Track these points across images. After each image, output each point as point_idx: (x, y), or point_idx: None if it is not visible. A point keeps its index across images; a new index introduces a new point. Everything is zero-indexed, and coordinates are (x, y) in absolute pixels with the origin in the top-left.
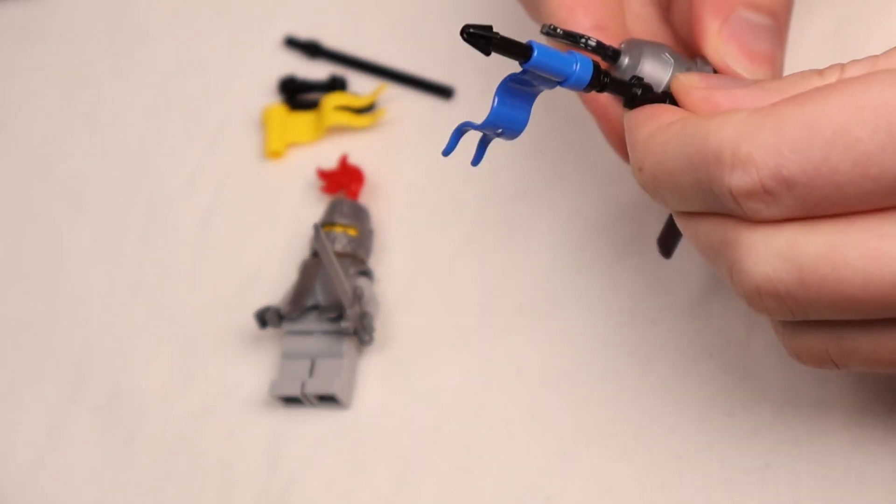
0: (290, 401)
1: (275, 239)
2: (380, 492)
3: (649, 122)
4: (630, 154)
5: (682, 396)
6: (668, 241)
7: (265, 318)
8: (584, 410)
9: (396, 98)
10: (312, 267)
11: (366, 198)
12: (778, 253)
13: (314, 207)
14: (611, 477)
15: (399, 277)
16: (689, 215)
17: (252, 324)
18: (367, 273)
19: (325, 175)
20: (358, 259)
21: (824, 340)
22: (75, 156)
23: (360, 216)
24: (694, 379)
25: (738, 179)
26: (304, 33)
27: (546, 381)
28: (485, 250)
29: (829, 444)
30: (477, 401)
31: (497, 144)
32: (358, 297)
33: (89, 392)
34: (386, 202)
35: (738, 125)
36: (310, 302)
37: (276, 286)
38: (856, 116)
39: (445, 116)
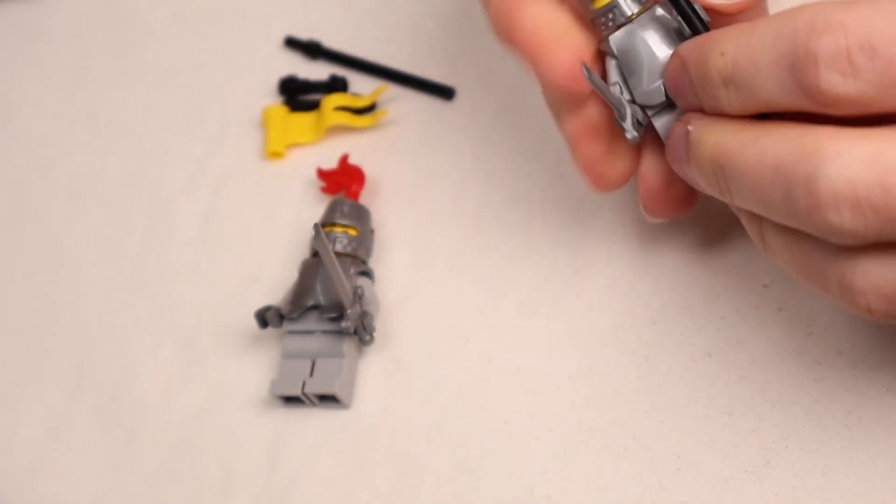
0: (291, 400)
1: (275, 239)
2: (380, 492)
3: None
4: (707, 40)
5: (681, 396)
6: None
7: (265, 317)
8: (584, 410)
9: (397, 98)
10: (313, 267)
11: (366, 198)
12: (862, 157)
13: (314, 207)
14: (611, 477)
15: (399, 277)
16: (762, 132)
17: (252, 324)
18: (367, 273)
19: (325, 175)
20: (358, 259)
21: (891, 272)
22: (75, 156)
23: (360, 216)
24: (693, 378)
25: (826, 43)
26: (304, 34)
27: (546, 380)
28: (485, 250)
29: (828, 443)
30: (477, 401)
31: (497, 144)
32: (358, 297)
33: (89, 392)
34: (386, 202)
35: (835, 2)
36: (310, 302)
37: (276, 286)
38: None
39: (446, 117)
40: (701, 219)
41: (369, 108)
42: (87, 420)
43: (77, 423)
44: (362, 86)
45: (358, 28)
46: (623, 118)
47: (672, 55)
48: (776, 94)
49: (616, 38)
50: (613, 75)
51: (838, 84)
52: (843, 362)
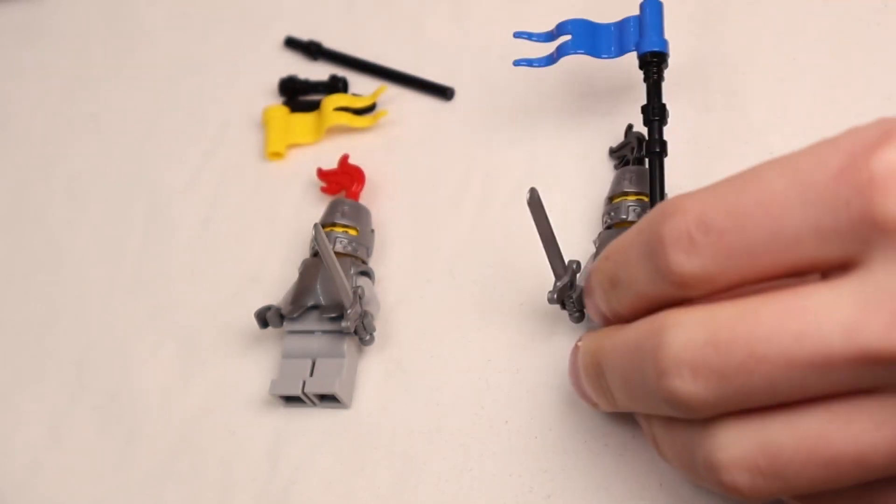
0: (291, 400)
1: (275, 239)
2: (380, 492)
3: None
4: (601, 254)
5: None
6: None
7: (265, 317)
8: (584, 410)
9: (397, 99)
10: (312, 267)
11: (366, 198)
12: (698, 321)
13: (314, 207)
14: (611, 476)
15: (399, 277)
16: (630, 325)
17: (252, 323)
18: (367, 273)
19: (325, 175)
20: (358, 259)
21: (747, 439)
22: (75, 156)
23: (360, 216)
24: None
25: (670, 225)
26: (304, 34)
27: (546, 380)
28: (485, 250)
29: None
30: (477, 401)
31: (496, 144)
32: (358, 297)
33: (89, 392)
34: (386, 202)
35: (688, 195)
36: (310, 302)
37: (276, 286)
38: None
39: (445, 117)
40: None
41: (369, 109)
42: (87, 420)
43: (77, 423)
44: (362, 86)
45: (358, 29)
46: (554, 268)
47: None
48: (647, 284)
49: (603, 235)
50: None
51: (684, 263)
52: None
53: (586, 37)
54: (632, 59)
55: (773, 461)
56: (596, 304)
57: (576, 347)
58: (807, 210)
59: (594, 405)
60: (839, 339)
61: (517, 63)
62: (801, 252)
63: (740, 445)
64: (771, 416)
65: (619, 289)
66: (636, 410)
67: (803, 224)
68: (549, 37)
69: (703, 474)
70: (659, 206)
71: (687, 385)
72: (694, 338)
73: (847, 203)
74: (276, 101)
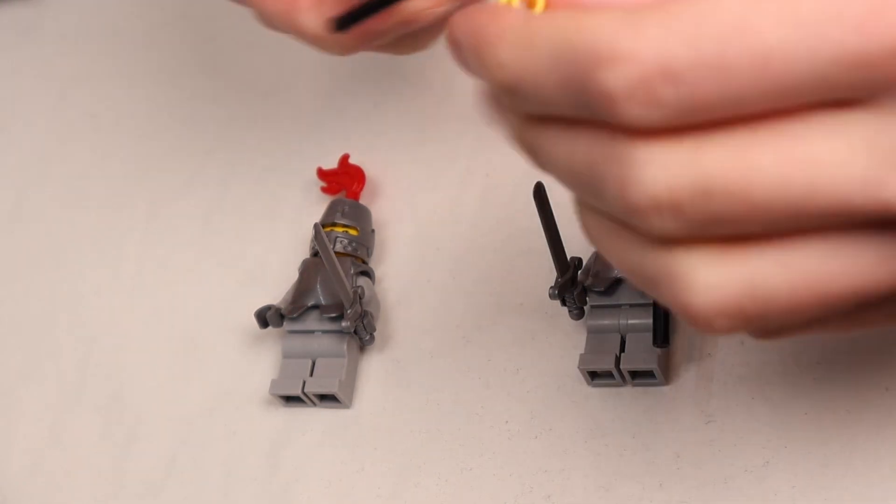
0: (291, 400)
1: (275, 239)
2: (380, 491)
3: (501, 18)
4: (481, 55)
5: (680, 395)
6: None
7: (266, 317)
8: (584, 410)
9: (397, 98)
10: (312, 267)
11: (366, 198)
12: (680, 161)
13: (314, 207)
14: (610, 476)
15: (399, 277)
16: (558, 128)
17: (253, 323)
18: (367, 273)
19: (325, 175)
20: (358, 259)
21: (732, 280)
22: (75, 156)
23: (360, 216)
24: (692, 377)
25: (617, 77)
26: None
27: (545, 380)
28: (485, 250)
29: (827, 442)
30: (477, 401)
31: (496, 144)
32: (358, 297)
33: (90, 392)
34: (386, 202)
35: (617, 18)
36: (310, 302)
37: (276, 286)
38: (758, 7)
39: (446, 117)
40: None
41: None
42: (87, 420)
43: (77, 423)
44: None
45: None
46: (557, 263)
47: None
48: (571, 113)
49: None
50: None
51: (642, 115)
52: (843, 362)
53: None
54: None
55: (763, 305)
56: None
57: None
58: (812, 59)
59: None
60: (858, 195)
61: None
62: (797, 99)
63: (724, 288)
64: (760, 250)
65: (524, 101)
66: (573, 193)
67: (807, 73)
68: None
69: (664, 299)
70: (587, 42)
71: (666, 223)
72: (676, 182)
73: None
74: None
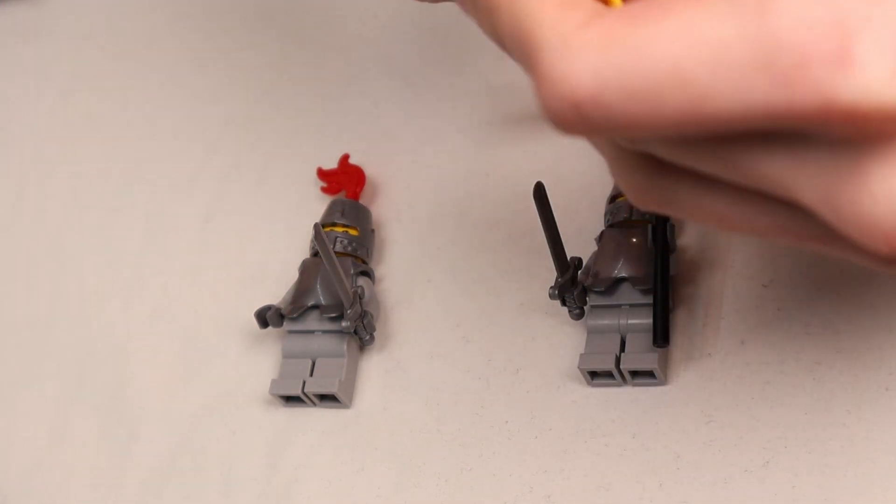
0: (291, 400)
1: (275, 239)
2: (380, 491)
3: None
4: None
5: (680, 395)
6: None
7: (266, 317)
8: (584, 410)
9: (397, 99)
10: (313, 267)
11: (366, 198)
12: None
13: (314, 207)
14: (611, 477)
15: (399, 277)
16: None
17: (253, 323)
18: (367, 273)
19: (325, 175)
20: (358, 259)
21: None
22: (75, 156)
23: (360, 216)
24: (692, 377)
25: (550, 94)
26: None
27: (546, 380)
28: (485, 250)
29: (827, 443)
30: (477, 401)
31: (497, 144)
32: (358, 297)
33: (90, 392)
34: (386, 202)
35: (561, 36)
36: (310, 302)
37: (276, 286)
38: (693, 50)
39: (446, 117)
40: None
41: None
42: (87, 420)
43: (78, 423)
44: None
45: None
46: (557, 263)
47: None
48: None
49: (604, 234)
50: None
51: (576, 130)
52: (843, 362)
53: None
54: None
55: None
56: None
57: None
58: (742, 108)
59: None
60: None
61: None
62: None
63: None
64: None
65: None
66: None
67: (738, 117)
68: None
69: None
70: (528, 52)
71: (577, 131)
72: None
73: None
74: None
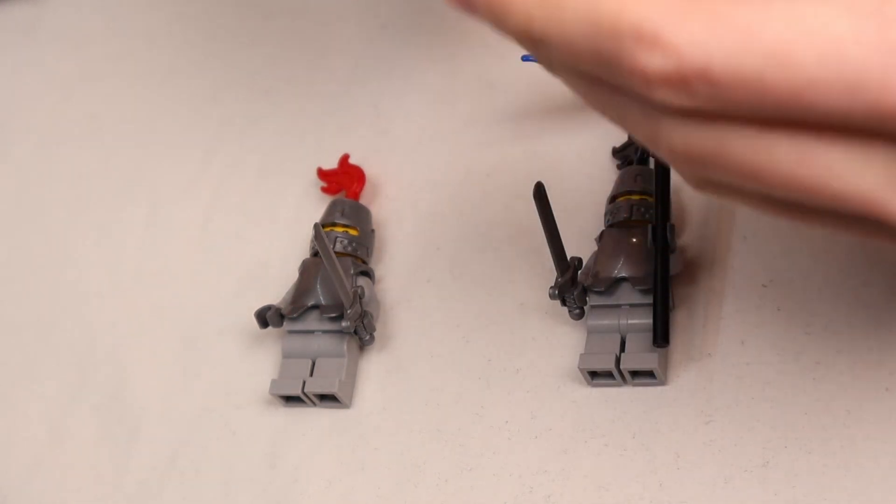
0: (291, 400)
1: (275, 239)
2: (380, 491)
3: None
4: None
5: (680, 395)
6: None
7: (266, 317)
8: (584, 410)
9: (397, 98)
10: (313, 267)
11: (366, 198)
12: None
13: (314, 207)
14: (611, 476)
15: (399, 277)
16: (588, 82)
17: (253, 323)
18: (367, 273)
19: (325, 175)
20: (358, 259)
21: (702, 139)
22: (76, 156)
23: (360, 216)
24: (692, 377)
25: (656, 61)
26: None
27: (546, 380)
28: (485, 250)
29: (827, 442)
30: (477, 401)
31: (497, 146)
32: (358, 297)
33: (90, 392)
34: (386, 202)
35: (662, 5)
36: (310, 302)
37: (276, 286)
38: (804, 39)
39: (446, 117)
40: (699, 217)
41: None
42: (87, 420)
43: (77, 423)
44: None
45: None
46: (556, 263)
47: None
48: (594, 71)
49: (604, 234)
50: (590, 260)
51: (671, 99)
52: (843, 362)
53: None
54: None
55: (722, 165)
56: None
57: None
58: (846, 104)
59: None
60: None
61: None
62: (820, 122)
63: (693, 142)
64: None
65: (548, 52)
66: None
67: (836, 112)
68: None
69: (644, 142)
70: (628, 21)
71: (672, 98)
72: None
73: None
74: None
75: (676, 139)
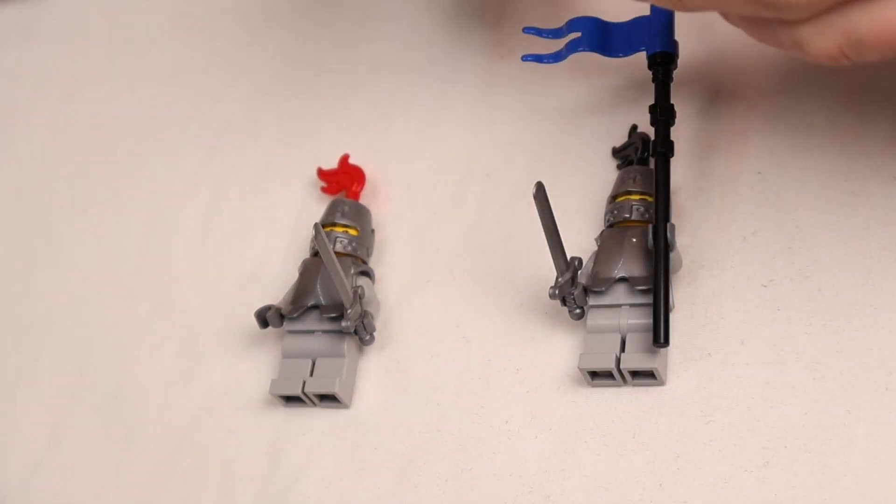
0: (291, 400)
1: (275, 239)
2: (380, 491)
3: None
4: None
5: (680, 395)
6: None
7: (266, 317)
8: (584, 410)
9: (397, 99)
10: (313, 267)
11: (366, 198)
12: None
13: (314, 207)
14: (611, 477)
15: (399, 277)
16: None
17: (253, 323)
18: (367, 273)
19: (325, 175)
20: (358, 259)
21: (833, 32)
22: (75, 156)
23: (360, 216)
24: (692, 377)
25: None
26: None
27: (546, 380)
28: (485, 250)
29: (827, 443)
30: (477, 401)
31: (497, 146)
32: (358, 297)
33: (90, 392)
34: (386, 202)
35: None
36: (310, 302)
37: (276, 286)
38: None
39: (446, 118)
40: (699, 217)
41: None
42: (87, 420)
43: (77, 423)
44: None
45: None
46: (556, 263)
47: None
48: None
49: (604, 234)
50: (590, 260)
51: (804, 12)
52: (843, 362)
53: (596, 35)
54: (637, 58)
55: (856, 46)
56: None
57: None
58: None
59: None
60: None
61: (525, 58)
62: None
63: (828, 38)
64: (849, 8)
65: None
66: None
67: None
68: (558, 33)
69: (790, 52)
70: None
71: (804, 11)
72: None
73: None
74: None
75: (815, 38)
